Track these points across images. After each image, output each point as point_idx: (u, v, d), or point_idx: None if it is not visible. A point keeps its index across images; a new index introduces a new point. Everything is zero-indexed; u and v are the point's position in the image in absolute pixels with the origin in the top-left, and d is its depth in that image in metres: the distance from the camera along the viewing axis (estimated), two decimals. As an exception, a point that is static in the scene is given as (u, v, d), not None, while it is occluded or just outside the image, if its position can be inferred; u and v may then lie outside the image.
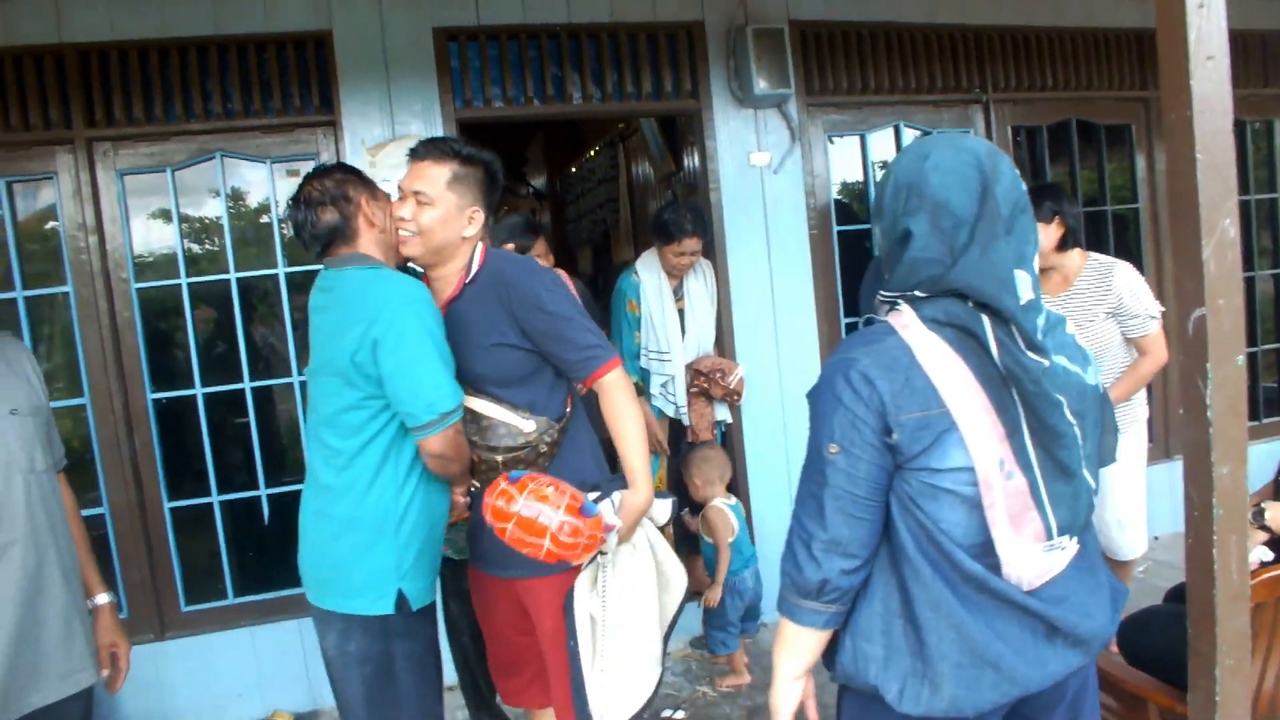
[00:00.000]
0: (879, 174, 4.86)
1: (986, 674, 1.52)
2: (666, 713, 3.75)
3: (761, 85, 4.24)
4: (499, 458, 2.30)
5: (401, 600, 2.24)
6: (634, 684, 2.31)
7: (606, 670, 2.28)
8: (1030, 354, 1.48)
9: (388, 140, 3.95)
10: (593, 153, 7.99)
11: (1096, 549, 1.69)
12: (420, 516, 2.29)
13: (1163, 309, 3.46)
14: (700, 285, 4.38)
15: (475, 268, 2.35)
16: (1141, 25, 5.17)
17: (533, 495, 2.06)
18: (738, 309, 4.51)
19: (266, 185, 4.00)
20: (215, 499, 4.00)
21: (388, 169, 3.79)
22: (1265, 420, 5.58)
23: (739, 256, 4.50)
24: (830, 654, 1.67)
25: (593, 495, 2.22)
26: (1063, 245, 3.52)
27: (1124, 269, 3.49)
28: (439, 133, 4.00)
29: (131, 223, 3.88)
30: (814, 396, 1.61)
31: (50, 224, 3.82)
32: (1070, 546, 1.56)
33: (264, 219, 4.06)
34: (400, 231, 2.30)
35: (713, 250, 4.46)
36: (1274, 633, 2.23)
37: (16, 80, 3.66)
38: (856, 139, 4.83)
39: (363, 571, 2.22)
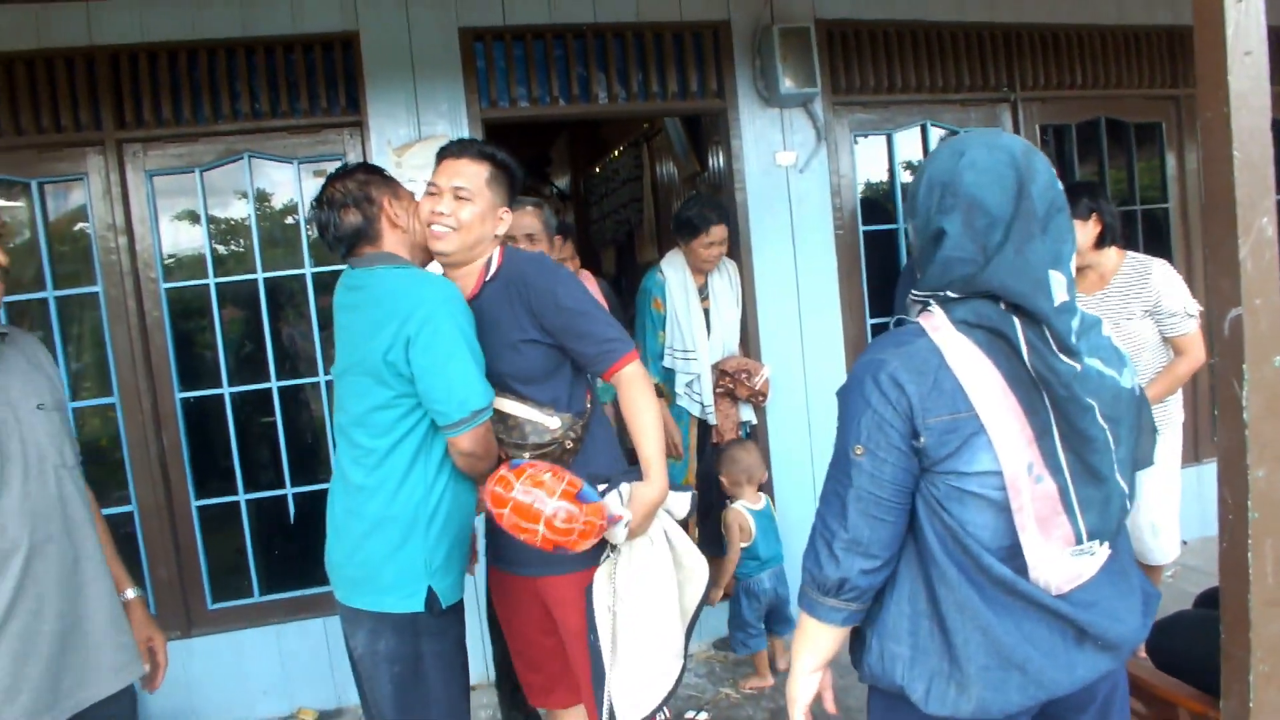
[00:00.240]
0: (905, 173, 4.83)
1: (1013, 676, 1.51)
2: (690, 714, 3.74)
3: (787, 84, 4.22)
4: (526, 455, 2.31)
5: (431, 598, 2.25)
6: (654, 677, 2.32)
7: (625, 663, 2.29)
8: (1062, 357, 1.46)
9: (414, 141, 3.96)
10: (617, 153, 7.98)
11: (1129, 553, 1.67)
12: (450, 514, 2.30)
13: (1200, 308, 3.41)
14: (725, 284, 4.37)
15: (495, 266, 2.37)
16: (1173, 23, 5.11)
17: (529, 481, 2.07)
18: (763, 309, 4.49)
19: (293, 186, 4.02)
20: (242, 497, 4.02)
21: (413, 169, 3.81)
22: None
23: (764, 256, 4.49)
24: (857, 654, 1.68)
25: (601, 486, 2.23)
26: (1100, 243, 3.48)
27: (1162, 267, 3.45)
28: (465, 133, 4.01)
29: (160, 223, 3.91)
30: (843, 396, 1.61)
31: (80, 225, 3.86)
32: (1101, 552, 1.54)
33: (291, 219, 4.08)
34: (435, 227, 2.31)
35: (738, 250, 4.45)
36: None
37: (48, 82, 3.70)
38: (883, 138, 4.79)
39: (393, 569, 2.23)
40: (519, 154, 2.46)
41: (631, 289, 4.63)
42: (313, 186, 4.00)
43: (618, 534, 2.25)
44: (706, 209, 4.17)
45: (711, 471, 4.45)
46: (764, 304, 4.49)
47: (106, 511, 3.47)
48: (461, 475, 2.32)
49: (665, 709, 2.37)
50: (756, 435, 4.49)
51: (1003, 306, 1.50)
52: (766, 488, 4.44)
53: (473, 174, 2.33)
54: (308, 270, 4.02)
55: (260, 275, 3.98)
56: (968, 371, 1.48)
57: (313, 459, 4.10)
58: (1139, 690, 2.42)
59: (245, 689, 3.95)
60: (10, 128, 3.67)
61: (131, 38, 3.73)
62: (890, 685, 1.60)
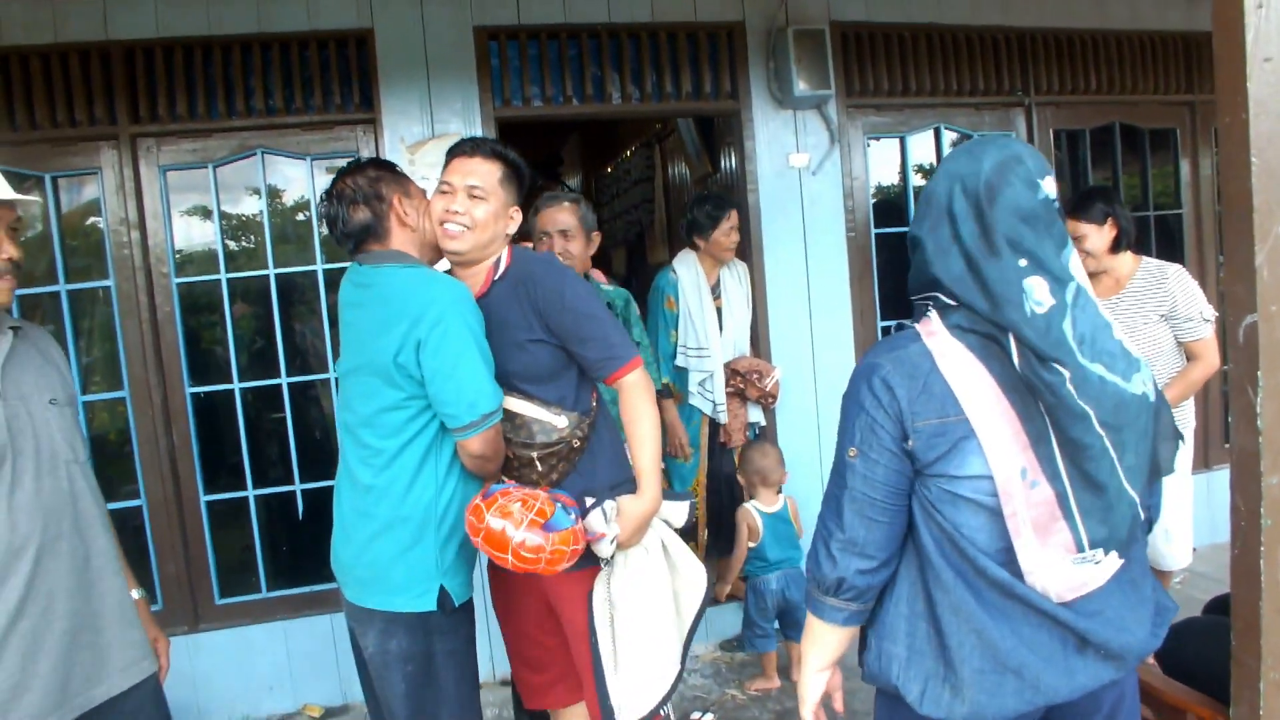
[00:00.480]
0: (918, 176, 4.83)
1: (1009, 681, 1.51)
2: (695, 715, 3.73)
3: (801, 86, 4.22)
4: (534, 454, 2.32)
5: (443, 596, 2.25)
6: (651, 679, 2.35)
7: (622, 665, 2.33)
8: (1042, 365, 1.44)
9: (427, 139, 3.96)
10: (629, 153, 7.98)
11: (1143, 564, 1.65)
12: (460, 513, 2.29)
13: (1216, 314, 3.40)
14: (736, 284, 4.39)
15: (504, 265, 2.37)
16: (1188, 28, 5.09)
17: (499, 511, 2.12)
18: (773, 310, 4.49)
19: (306, 182, 4.03)
20: (250, 493, 4.03)
21: (426, 167, 3.81)
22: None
23: (776, 257, 4.48)
24: (861, 653, 1.71)
25: (589, 501, 2.27)
26: (1115, 247, 3.47)
27: (1178, 272, 3.45)
28: (478, 131, 4.01)
29: (173, 218, 3.92)
30: (842, 400, 1.64)
31: (93, 219, 3.87)
32: (1108, 561, 1.51)
33: (303, 215, 4.09)
34: (449, 226, 2.30)
35: (749, 251, 4.44)
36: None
37: (63, 76, 3.71)
38: (896, 141, 4.79)
39: (404, 569, 2.23)
40: (531, 153, 2.47)
41: (642, 290, 4.62)
42: (326, 183, 3.98)
43: (603, 549, 2.28)
44: (716, 199, 4.28)
45: (720, 471, 4.45)
46: (775, 305, 4.49)
47: (115, 506, 3.50)
48: (469, 474, 2.31)
49: (667, 709, 2.40)
50: (765, 437, 4.49)
51: None
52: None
53: (486, 173, 2.33)
54: (319, 266, 4.02)
55: (272, 271, 3.98)
56: (958, 376, 1.50)
57: (322, 455, 4.10)
58: (1148, 696, 2.41)
59: (251, 684, 3.95)
60: (25, 121, 3.68)
61: (147, 33, 3.74)
62: (886, 685, 1.62)
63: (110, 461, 3.93)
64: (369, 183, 2.29)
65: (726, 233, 4.22)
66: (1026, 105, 4.86)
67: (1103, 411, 1.45)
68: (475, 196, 2.31)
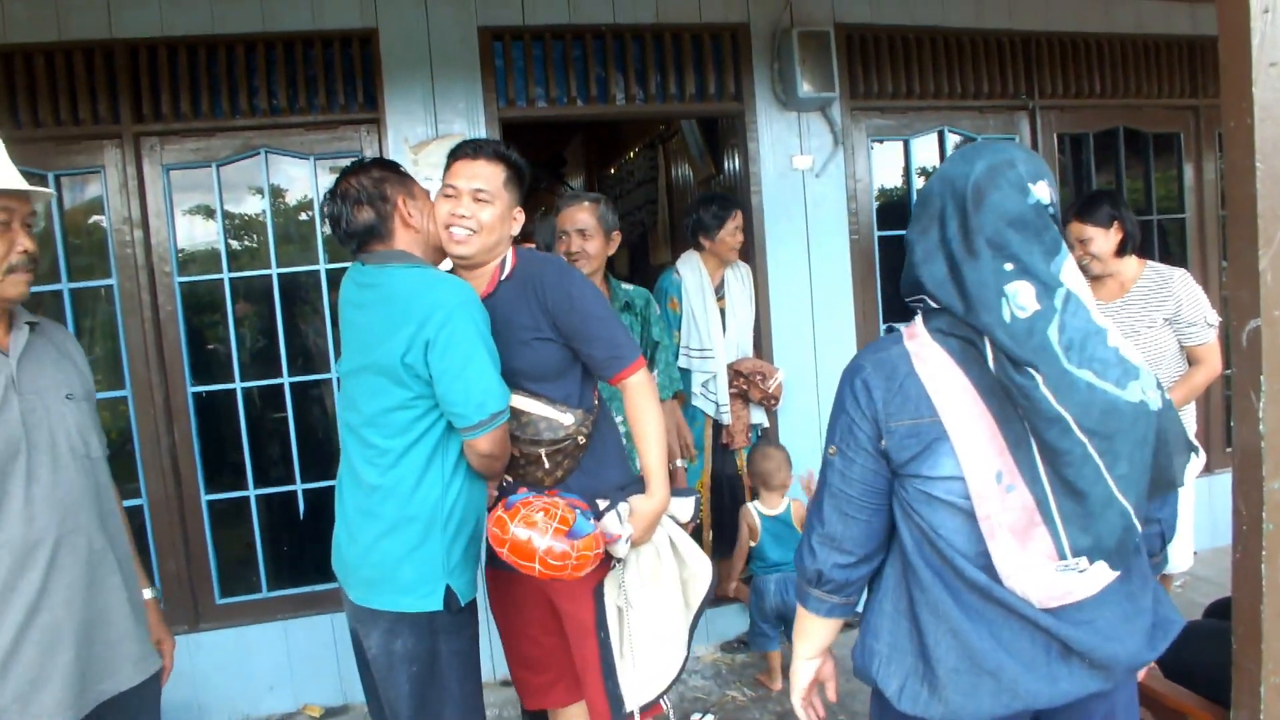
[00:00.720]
0: (921, 179, 4.82)
1: (985, 682, 1.52)
2: (696, 716, 3.73)
3: (805, 88, 4.22)
4: (542, 450, 2.34)
5: (449, 596, 2.25)
6: (660, 668, 2.41)
7: (632, 657, 2.38)
8: (1015, 369, 1.44)
9: (430, 139, 3.96)
10: (632, 154, 7.98)
11: (1144, 576, 1.63)
12: (465, 512, 2.30)
13: (1220, 319, 3.40)
14: (740, 285, 4.39)
15: (510, 266, 2.40)
16: (1193, 33, 5.09)
17: (523, 521, 2.18)
18: (776, 312, 4.49)
19: (309, 182, 4.03)
20: (252, 492, 4.03)
21: (430, 167, 3.81)
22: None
23: (779, 259, 4.48)
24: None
25: (603, 504, 2.32)
26: (1121, 251, 3.47)
27: (1183, 276, 3.45)
28: (482, 132, 4.01)
29: (176, 217, 3.92)
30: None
31: (96, 217, 3.87)
32: (1095, 571, 1.49)
33: (306, 215, 4.08)
34: (456, 230, 2.32)
35: (752, 253, 4.44)
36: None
37: (67, 75, 3.71)
38: (900, 144, 4.79)
39: (411, 569, 2.23)
40: (534, 154, 2.48)
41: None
42: (329, 183, 3.98)
43: (619, 549, 2.34)
44: (721, 199, 4.31)
45: (723, 473, 4.45)
46: (777, 307, 4.49)
47: (117, 504, 3.48)
48: (474, 473, 2.32)
49: (666, 700, 2.45)
50: (768, 438, 4.48)
51: None
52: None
53: (490, 175, 2.35)
54: (322, 266, 4.02)
55: (275, 271, 3.98)
56: (934, 378, 1.53)
57: (323, 455, 4.09)
58: (1148, 699, 2.40)
59: (251, 684, 3.95)
60: (29, 120, 3.68)
61: (151, 31, 3.74)
62: (868, 680, 1.66)
63: (111, 460, 3.87)
64: (374, 183, 2.30)
65: (732, 233, 4.22)
66: (1030, 109, 4.86)
67: (1088, 418, 1.43)
68: (480, 200, 2.32)
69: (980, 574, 1.52)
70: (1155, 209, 5.28)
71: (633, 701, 2.38)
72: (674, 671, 2.43)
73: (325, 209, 2.36)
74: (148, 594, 2.22)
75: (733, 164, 4.70)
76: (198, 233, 4.00)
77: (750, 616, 4.02)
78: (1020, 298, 1.46)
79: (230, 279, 3.95)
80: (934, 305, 1.57)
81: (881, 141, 4.73)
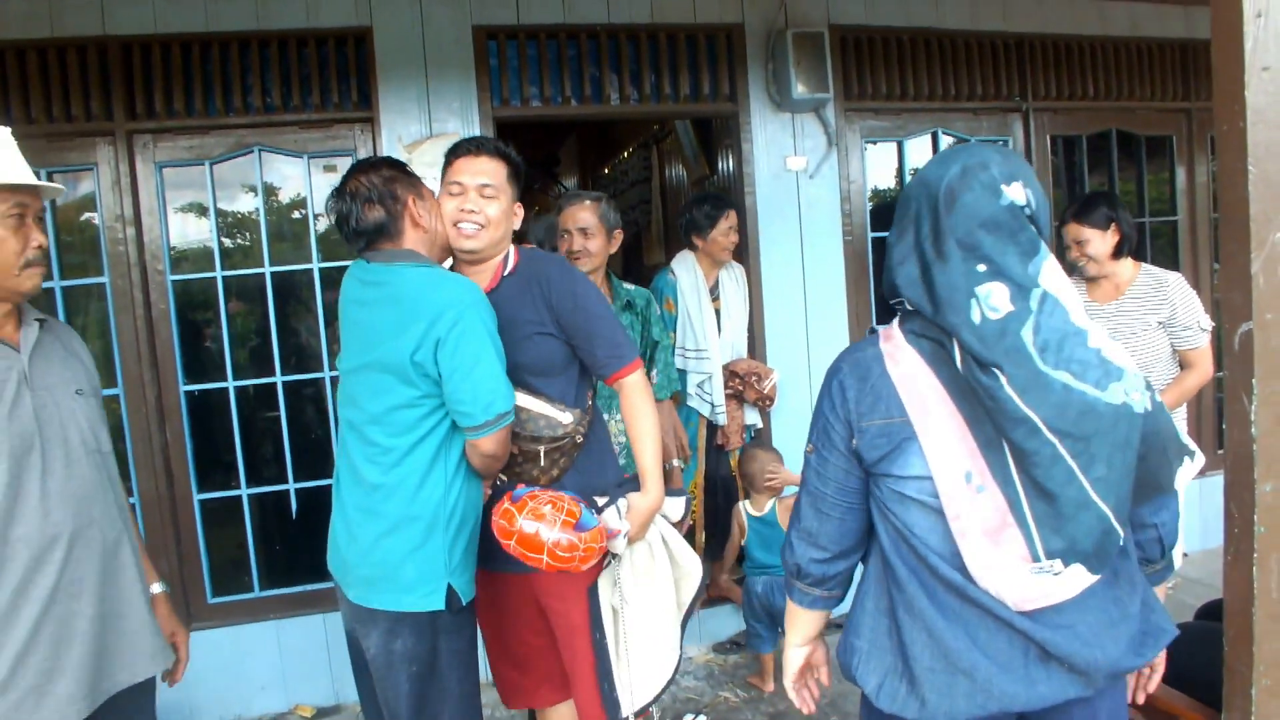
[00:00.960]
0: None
1: (960, 682, 1.53)
2: (688, 717, 3.73)
3: (800, 89, 4.22)
4: (541, 448, 2.36)
5: (451, 595, 2.24)
6: (655, 669, 2.44)
7: (628, 658, 2.40)
8: (981, 369, 1.45)
9: (425, 138, 3.95)
10: (626, 154, 7.98)
11: (1131, 580, 1.62)
12: (466, 512, 2.30)
13: (1213, 324, 3.42)
14: (735, 286, 4.39)
15: (512, 262, 2.43)
16: (1186, 36, 5.10)
17: (531, 514, 2.20)
18: (770, 313, 4.49)
19: (303, 180, 4.02)
20: (244, 492, 4.02)
21: (424, 166, 3.80)
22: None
23: (772, 260, 4.48)
24: None
25: (601, 500, 2.34)
26: (1117, 253, 3.49)
27: (1178, 280, 3.47)
28: (476, 131, 4.00)
29: (169, 215, 3.90)
30: None
31: (88, 215, 3.85)
32: (1070, 574, 1.48)
33: (299, 214, 4.07)
34: (465, 225, 2.35)
35: (746, 254, 4.44)
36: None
37: (60, 71, 3.69)
38: (894, 145, 4.79)
39: (414, 568, 2.22)
40: (528, 153, 2.50)
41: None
42: (323, 181, 4.01)
43: (618, 545, 2.36)
44: (715, 198, 4.32)
45: (717, 474, 4.45)
46: (771, 308, 4.49)
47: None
48: (474, 472, 2.32)
49: (655, 709, 2.42)
50: (761, 439, 4.48)
51: None
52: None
53: (494, 171, 2.38)
54: (315, 265, 4.01)
55: (268, 269, 3.97)
56: (905, 379, 1.55)
57: (317, 454, 4.09)
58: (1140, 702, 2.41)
59: (243, 684, 3.94)
60: (21, 116, 3.66)
61: (145, 28, 3.73)
62: (849, 676, 1.68)
63: (104, 458, 3.90)
64: (384, 182, 2.29)
65: (725, 232, 4.22)
66: (1024, 110, 4.87)
67: (1063, 419, 1.42)
68: (487, 195, 2.36)
69: (955, 573, 1.52)
70: (1147, 211, 5.29)
71: (629, 705, 2.39)
72: (668, 673, 2.45)
73: (332, 206, 2.34)
74: (156, 588, 2.23)
75: (727, 165, 4.70)
76: (191, 231, 3.99)
77: (745, 617, 4.03)
78: (993, 299, 1.46)
79: (223, 277, 3.94)
80: (909, 308, 1.58)
81: (875, 143, 4.74)
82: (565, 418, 2.37)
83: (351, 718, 3.91)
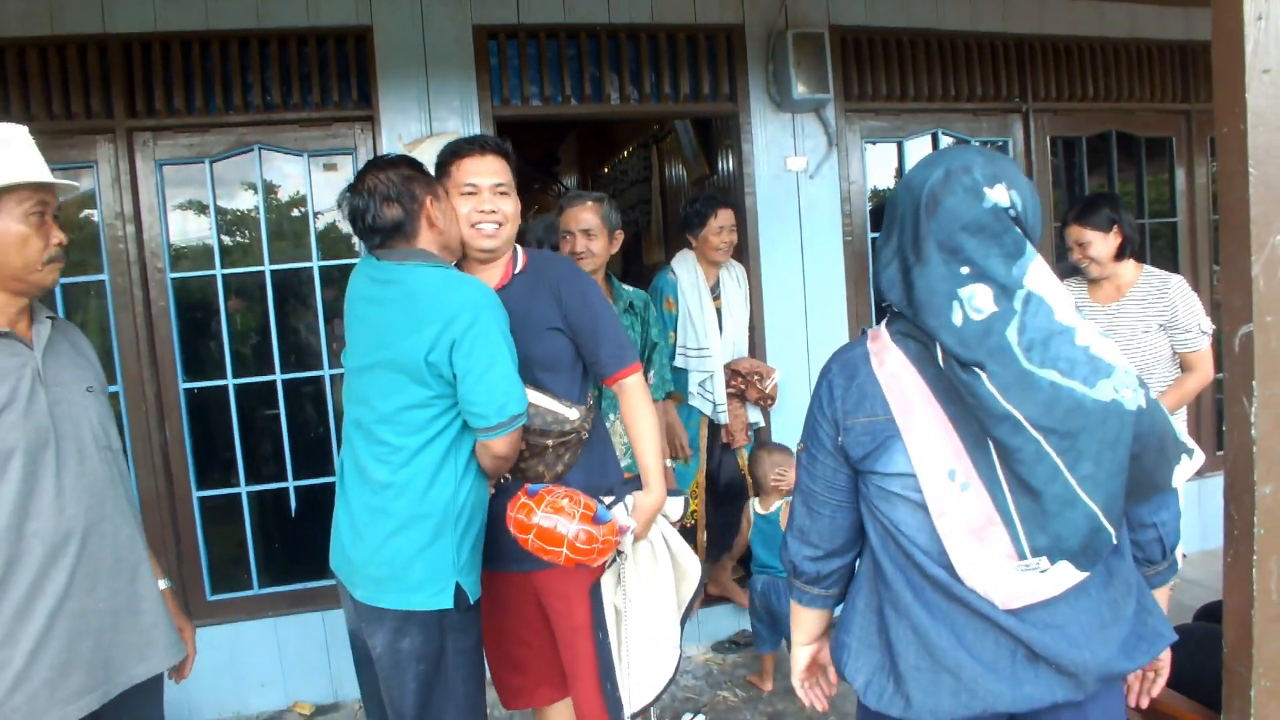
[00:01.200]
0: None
1: (945, 680, 1.53)
2: (687, 717, 3.73)
3: (800, 90, 4.22)
4: (549, 442, 2.38)
5: (459, 594, 2.25)
6: (657, 668, 2.46)
7: (631, 658, 2.41)
8: (962, 368, 1.46)
9: (424, 137, 3.95)
10: (626, 153, 7.98)
11: (1127, 582, 1.59)
12: (474, 511, 2.30)
13: (1214, 326, 3.42)
14: (735, 286, 4.39)
15: (522, 261, 2.47)
16: (1186, 37, 5.11)
17: (549, 508, 2.20)
18: (770, 314, 4.50)
19: (303, 179, 4.02)
20: (243, 489, 4.02)
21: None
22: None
23: (772, 261, 4.49)
24: None
25: (608, 499, 2.35)
26: (1119, 255, 3.48)
27: (1179, 283, 3.47)
28: (476, 130, 4.00)
29: (168, 213, 3.90)
30: None
31: (88, 212, 3.85)
32: (1057, 571, 1.47)
33: (299, 212, 4.07)
34: (484, 225, 2.37)
35: (746, 254, 4.45)
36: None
37: (60, 69, 3.69)
38: (894, 146, 4.80)
39: (422, 567, 2.22)
40: (528, 153, 2.51)
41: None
42: (323, 180, 4.02)
43: (625, 542, 2.38)
44: (709, 197, 4.32)
45: (719, 473, 4.45)
46: (771, 309, 4.50)
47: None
48: (481, 471, 2.33)
49: (653, 710, 2.48)
50: (762, 438, 4.48)
51: None
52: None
53: (502, 168, 2.42)
54: (315, 263, 4.01)
55: (267, 267, 3.97)
56: (890, 378, 1.56)
57: (316, 452, 4.08)
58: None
59: (242, 681, 3.94)
60: (20, 114, 3.65)
61: (145, 26, 3.73)
62: (840, 673, 1.71)
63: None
64: (402, 180, 2.28)
65: (716, 231, 4.21)
66: (1024, 111, 4.87)
67: (1049, 417, 1.42)
68: (501, 193, 2.40)
69: (941, 571, 1.53)
70: (1147, 212, 5.30)
71: (631, 705, 2.41)
72: (669, 672, 2.47)
73: (347, 202, 2.33)
74: (162, 584, 2.24)
75: (727, 165, 4.70)
76: (190, 228, 3.99)
77: (749, 616, 4.04)
78: (976, 300, 1.47)
79: (223, 275, 3.94)
80: (896, 310, 1.60)
81: (875, 143, 4.74)
82: (572, 414, 2.39)
83: (350, 715, 3.91)
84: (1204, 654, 2.03)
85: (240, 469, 4.01)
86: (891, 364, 1.57)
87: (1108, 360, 1.47)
